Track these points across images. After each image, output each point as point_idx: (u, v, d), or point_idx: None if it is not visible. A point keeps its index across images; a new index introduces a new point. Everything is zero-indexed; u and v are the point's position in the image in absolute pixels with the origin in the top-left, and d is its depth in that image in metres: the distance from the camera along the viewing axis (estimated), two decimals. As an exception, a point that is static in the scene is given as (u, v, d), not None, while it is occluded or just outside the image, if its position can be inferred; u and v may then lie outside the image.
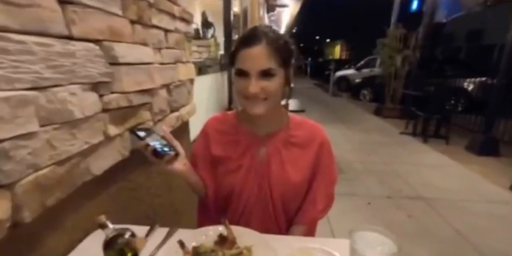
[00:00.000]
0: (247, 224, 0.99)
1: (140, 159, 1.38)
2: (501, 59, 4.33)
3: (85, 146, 0.93)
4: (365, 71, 10.85)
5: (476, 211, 2.93)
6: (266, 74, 0.96)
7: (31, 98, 0.72)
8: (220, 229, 0.95)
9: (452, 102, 5.40)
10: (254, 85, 0.96)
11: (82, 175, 0.94)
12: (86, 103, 0.93)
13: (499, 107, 4.44)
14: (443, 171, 3.92)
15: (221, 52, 4.73)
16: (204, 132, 1.20)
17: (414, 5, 8.27)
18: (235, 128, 1.15)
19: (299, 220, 1.17)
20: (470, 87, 7.26)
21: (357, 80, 10.92)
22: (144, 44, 1.31)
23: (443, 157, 4.42)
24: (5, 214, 0.66)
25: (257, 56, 0.94)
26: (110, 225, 0.70)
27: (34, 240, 0.84)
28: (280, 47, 0.97)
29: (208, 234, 0.95)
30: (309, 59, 24.85)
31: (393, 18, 7.79)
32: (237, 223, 0.97)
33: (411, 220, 2.77)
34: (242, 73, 0.98)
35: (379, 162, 4.20)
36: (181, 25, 1.77)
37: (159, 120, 1.50)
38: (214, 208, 1.18)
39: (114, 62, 1.06)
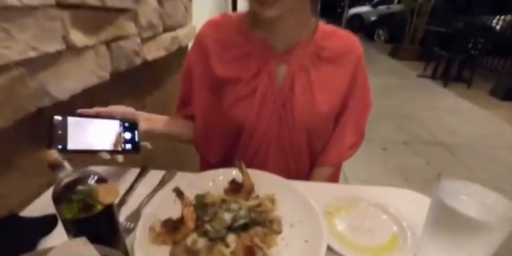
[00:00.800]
0: (260, 169, 0.74)
1: (126, 85, 1.11)
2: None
3: (33, 54, 0.63)
4: (382, 8, 9.80)
5: (500, 158, 2.73)
6: None
7: None
8: (234, 173, 0.70)
9: (482, 40, 4.81)
10: None
11: (36, 97, 0.66)
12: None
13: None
14: (464, 117, 3.64)
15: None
16: (198, 44, 0.85)
17: None
18: (243, 36, 0.82)
19: (324, 160, 0.93)
20: (499, 26, 6.54)
21: (372, 18, 9.93)
22: None
23: (465, 102, 4.10)
24: None
25: None
26: (67, 166, 0.44)
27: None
28: None
29: (216, 179, 0.71)
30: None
31: None
32: (248, 167, 0.72)
33: (430, 167, 2.60)
34: None
35: (396, 107, 3.90)
36: None
37: (149, 39, 1.16)
38: (214, 151, 0.93)
39: None
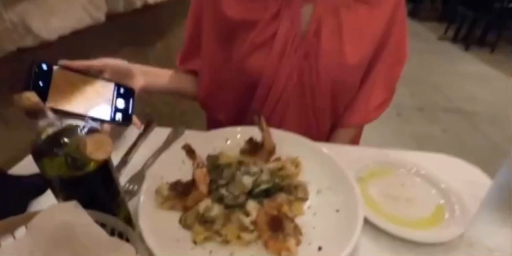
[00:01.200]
0: (277, 128, 0.64)
1: (124, 32, 0.98)
2: None
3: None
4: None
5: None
6: None
7: None
8: (252, 131, 0.60)
9: (507, 3, 4.40)
10: None
11: (15, 33, 0.54)
12: None
13: None
14: (485, 83, 3.44)
15: None
16: None
17: None
18: None
19: (348, 121, 0.82)
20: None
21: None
22: None
23: (487, 68, 3.85)
24: None
25: None
26: (50, 113, 0.34)
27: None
28: None
29: (232, 138, 0.62)
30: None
31: None
32: None
33: (446, 135, 2.49)
34: None
35: (413, 71, 3.66)
36: None
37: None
38: (224, 109, 0.83)
39: None
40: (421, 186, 0.56)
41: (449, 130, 2.57)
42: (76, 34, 0.69)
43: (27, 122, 0.34)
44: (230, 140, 0.62)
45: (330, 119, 0.82)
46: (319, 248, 0.42)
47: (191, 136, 0.66)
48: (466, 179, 0.55)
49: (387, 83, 0.81)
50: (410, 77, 3.53)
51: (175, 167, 0.53)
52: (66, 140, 0.34)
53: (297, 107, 0.76)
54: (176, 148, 0.54)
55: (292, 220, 0.43)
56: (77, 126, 0.35)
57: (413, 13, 6.60)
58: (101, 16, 0.77)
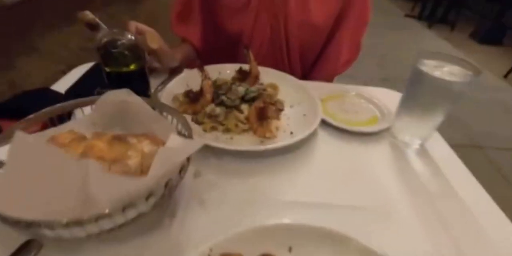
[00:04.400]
0: None
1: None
2: None
3: None
4: None
5: (469, 96, 2.96)
6: None
7: None
8: (239, 66, 0.77)
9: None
10: None
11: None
12: None
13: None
14: (442, 57, 3.78)
15: None
16: None
17: None
18: None
19: (317, 74, 0.99)
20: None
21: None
22: None
23: (446, 44, 4.19)
24: None
25: None
26: (103, 26, 0.49)
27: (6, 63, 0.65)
28: None
29: (223, 72, 0.79)
30: None
31: None
32: None
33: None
34: None
35: (379, 45, 3.93)
36: None
37: None
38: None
39: None
40: (364, 104, 0.76)
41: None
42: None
43: (63, 59, 0.49)
44: (222, 72, 0.78)
45: (301, 72, 0.98)
46: (291, 133, 0.61)
47: (188, 71, 0.81)
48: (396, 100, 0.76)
49: (353, 42, 0.95)
50: (377, 51, 3.79)
51: (182, 88, 0.69)
52: (123, 41, 0.49)
53: (272, 62, 0.89)
54: (181, 75, 0.70)
55: (273, 104, 0.61)
56: (126, 34, 0.50)
57: (384, -9, 6.80)
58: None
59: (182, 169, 0.39)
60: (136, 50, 0.50)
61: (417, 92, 0.60)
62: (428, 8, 5.01)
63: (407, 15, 5.31)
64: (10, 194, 0.30)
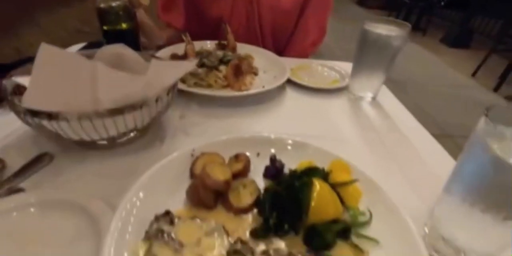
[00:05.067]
0: None
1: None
2: None
3: None
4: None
5: (440, 93, 3.16)
6: None
7: None
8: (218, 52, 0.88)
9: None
10: None
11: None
12: None
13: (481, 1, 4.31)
14: (416, 60, 4.01)
15: None
16: None
17: None
18: None
19: (288, 55, 1.11)
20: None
21: (343, -33, 9.74)
22: None
23: (418, 48, 4.46)
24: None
25: None
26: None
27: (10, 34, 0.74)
28: None
29: (204, 46, 0.89)
30: None
31: None
32: None
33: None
34: None
35: (357, 49, 4.17)
36: None
37: None
38: None
39: None
40: (327, 71, 0.89)
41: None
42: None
43: (63, 37, 0.59)
44: (203, 47, 0.89)
45: (274, 52, 1.11)
46: (263, 87, 0.72)
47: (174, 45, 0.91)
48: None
49: (319, 25, 1.09)
50: (355, 54, 3.99)
51: (168, 53, 0.79)
52: (117, 2, 0.59)
53: (249, 43, 0.97)
54: (167, 48, 0.81)
55: (245, 61, 0.72)
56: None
57: (361, 2, 7.20)
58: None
59: (170, 91, 0.49)
60: (129, 12, 0.61)
61: (364, 50, 0.72)
62: (401, 16, 5.34)
63: (382, 23, 5.63)
64: (36, 93, 0.39)
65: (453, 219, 0.38)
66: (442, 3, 5.77)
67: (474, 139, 0.34)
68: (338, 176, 0.42)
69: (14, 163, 0.46)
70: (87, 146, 0.51)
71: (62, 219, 0.37)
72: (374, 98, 0.78)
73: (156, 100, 0.47)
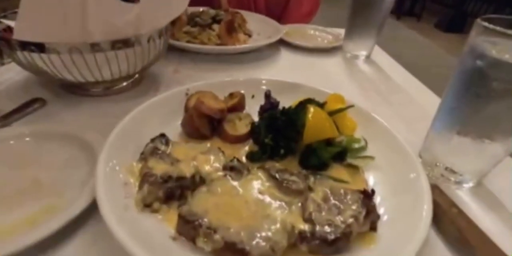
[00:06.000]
0: None
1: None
2: None
3: None
4: None
5: (434, 73, 3.17)
6: None
7: None
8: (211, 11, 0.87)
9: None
10: None
11: None
12: None
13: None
14: (411, 45, 4.00)
15: None
16: None
17: None
18: None
19: (283, 23, 1.11)
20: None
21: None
22: None
23: (414, 33, 4.46)
24: None
25: None
26: None
27: None
28: None
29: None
30: None
31: None
32: None
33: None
34: None
35: (352, 35, 4.16)
36: None
37: None
38: None
39: None
40: (320, 33, 0.88)
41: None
42: None
43: None
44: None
45: None
46: (258, 33, 0.71)
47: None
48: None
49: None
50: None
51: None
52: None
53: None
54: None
55: (238, 15, 0.71)
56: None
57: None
58: None
59: (163, 35, 0.48)
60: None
61: (357, 10, 0.72)
62: (395, 2, 5.33)
63: (376, 10, 5.61)
64: (26, 24, 0.38)
65: (441, 145, 0.39)
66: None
67: (468, 50, 0.34)
68: (334, 106, 0.42)
69: (6, 106, 0.45)
70: (81, 93, 0.51)
71: (57, 147, 0.37)
72: (368, 56, 0.78)
73: (148, 40, 0.46)
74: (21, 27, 0.38)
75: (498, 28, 0.32)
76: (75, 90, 0.51)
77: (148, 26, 0.44)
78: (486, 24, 0.32)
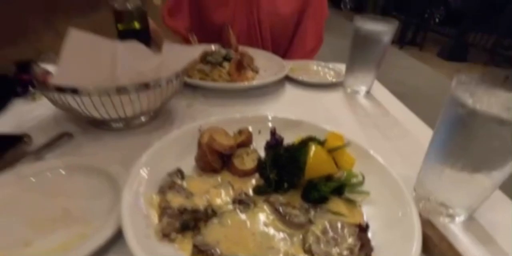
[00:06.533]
0: None
1: None
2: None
3: None
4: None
5: (437, 101, 3.22)
6: None
7: None
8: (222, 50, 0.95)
9: (432, 11, 5.35)
10: None
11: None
12: None
13: (475, 17, 4.46)
14: (414, 73, 4.12)
15: None
16: None
17: None
18: None
19: (288, 59, 1.18)
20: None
21: (339, -11, 10.18)
22: None
23: (416, 62, 4.58)
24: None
25: None
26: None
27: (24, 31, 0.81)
28: None
29: (208, 49, 0.96)
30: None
31: None
32: None
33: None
34: None
35: (356, 64, 4.28)
36: None
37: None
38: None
39: None
40: (322, 69, 0.95)
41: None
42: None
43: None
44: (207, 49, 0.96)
45: None
46: (264, 70, 0.77)
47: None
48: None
49: (316, 33, 1.16)
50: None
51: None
52: (131, 4, 0.66)
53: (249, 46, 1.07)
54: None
55: (246, 55, 0.78)
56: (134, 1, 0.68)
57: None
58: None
59: (179, 76, 0.54)
60: (141, 13, 0.68)
61: (356, 46, 0.78)
62: (398, 32, 5.52)
63: (379, 39, 5.80)
64: (64, 72, 0.44)
65: (434, 179, 0.42)
66: (437, 20, 6.00)
67: (448, 100, 0.38)
68: (333, 143, 0.46)
69: (39, 140, 0.51)
70: (104, 128, 0.56)
71: (84, 178, 0.41)
72: (368, 92, 0.83)
73: (167, 82, 0.52)
74: (60, 74, 0.44)
75: (473, 81, 0.37)
76: (99, 125, 0.57)
77: (167, 71, 0.50)
78: (464, 77, 0.37)
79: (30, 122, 0.57)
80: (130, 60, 0.46)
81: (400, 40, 5.43)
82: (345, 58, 0.83)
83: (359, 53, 0.79)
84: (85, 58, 0.44)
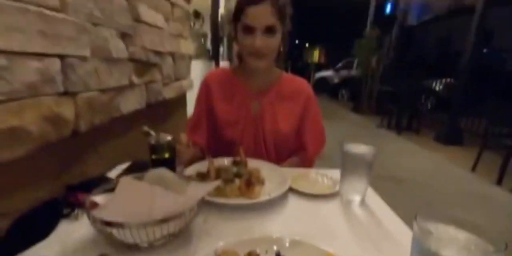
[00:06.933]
0: None
1: (153, 113, 1.55)
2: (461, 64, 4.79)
3: (118, 84, 1.09)
4: (343, 72, 11.30)
5: (444, 189, 3.25)
6: (270, 30, 1.10)
7: (87, 27, 0.87)
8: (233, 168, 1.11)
9: (422, 101, 5.92)
10: (260, 40, 1.10)
11: (115, 109, 1.09)
12: (118, 47, 1.09)
13: (462, 104, 4.89)
14: (414, 157, 4.27)
15: (209, 45, 4.88)
16: (205, 84, 1.30)
17: (388, 9, 8.76)
18: (232, 81, 1.29)
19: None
20: (438, 87, 7.82)
21: (336, 81, 11.36)
22: (157, 10, 1.47)
23: (414, 146, 4.79)
24: (71, 116, 0.81)
25: (264, 13, 1.08)
26: (153, 133, 0.86)
27: (74, 158, 0.99)
28: (282, 6, 1.12)
29: (222, 162, 1.13)
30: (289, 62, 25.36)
31: (369, 20, 8.27)
32: None
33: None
34: (248, 29, 1.11)
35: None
36: (183, 3, 1.93)
37: (166, 84, 1.65)
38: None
39: (137, 19, 1.23)
40: (321, 178, 1.08)
41: (382, 192, 3.12)
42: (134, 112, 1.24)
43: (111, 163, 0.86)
44: (220, 163, 1.12)
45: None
46: (269, 195, 0.90)
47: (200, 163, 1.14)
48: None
49: (316, 143, 1.36)
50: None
51: (194, 171, 1.01)
52: (164, 140, 0.85)
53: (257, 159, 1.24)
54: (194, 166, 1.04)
55: (254, 174, 0.92)
56: (165, 135, 0.87)
57: (356, 109, 8.08)
58: (143, 104, 1.35)
59: (198, 203, 0.67)
60: (171, 146, 0.86)
61: (346, 165, 0.93)
62: (394, 120, 5.93)
63: (378, 127, 6.19)
64: (111, 208, 0.57)
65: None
66: (429, 107, 6.51)
67: (413, 236, 0.50)
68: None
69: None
70: (133, 248, 0.66)
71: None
72: (362, 201, 0.94)
73: (190, 211, 0.65)
74: (106, 210, 0.58)
75: (430, 227, 0.49)
76: (130, 246, 0.67)
77: (190, 203, 0.64)
78: (421, 221, 0.49)
79: (72, 243, 0.67)
80: (165, 202, 0.60)
81: (397, 127, 5.79)
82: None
83: (349, 170, 0.93)
84: (128, 198, 0.58)
